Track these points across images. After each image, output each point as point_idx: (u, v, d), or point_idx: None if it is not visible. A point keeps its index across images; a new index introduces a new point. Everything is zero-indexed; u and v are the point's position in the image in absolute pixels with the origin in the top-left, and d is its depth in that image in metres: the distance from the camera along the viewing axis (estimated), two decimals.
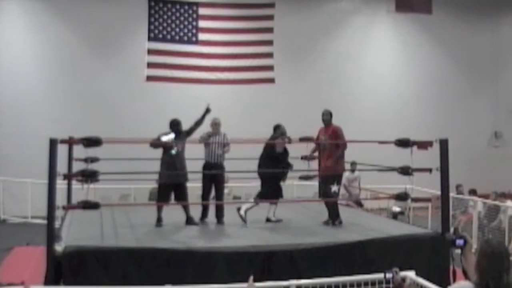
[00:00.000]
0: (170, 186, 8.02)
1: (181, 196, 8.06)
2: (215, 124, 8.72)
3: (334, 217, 7.98)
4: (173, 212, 9.49)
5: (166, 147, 7.95)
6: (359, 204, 12.88)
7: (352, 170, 12.77)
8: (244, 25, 15.40)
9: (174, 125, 8.17)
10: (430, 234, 7.37)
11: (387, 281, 4.31)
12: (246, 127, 15.56)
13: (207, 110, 8.17)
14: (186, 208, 8.10)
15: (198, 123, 8.22)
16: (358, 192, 13.21)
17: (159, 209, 7.99)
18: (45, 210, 6.07)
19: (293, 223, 8.30)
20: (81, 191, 6.76)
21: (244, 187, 15.00)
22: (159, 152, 10.11)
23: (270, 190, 8.29)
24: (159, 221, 7.91)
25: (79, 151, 7.75)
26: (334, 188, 8.00)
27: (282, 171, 8.38)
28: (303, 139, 8.78)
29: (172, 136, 7.98)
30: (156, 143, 7.99)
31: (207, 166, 8.44)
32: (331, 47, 17.81)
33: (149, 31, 14.79)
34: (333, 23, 17.79)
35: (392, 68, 18.35)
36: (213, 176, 8.38)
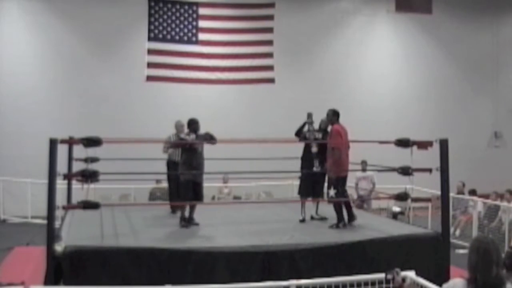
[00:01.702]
0: (191, 184, 7.97)
1: (198, 195, 8.04)
2: (180, 126, 9.32)
3: (337, 220, 7.91)
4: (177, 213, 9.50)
5: (187, 146, 7.94)
6: (360, 204, 12.86)
7: (363, 170, 12.69)
8: (244, 25, 15.40)
9: (192, 124, 8.15)
10: (430, 234, 7.37)
11: (387, 281, 4.31)
12: (246, 127, 15.59)
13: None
14: (192, 208, 8.08)
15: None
16: (364, 192, 13.09)
17: (183, 208, 7.95)
18: (45, 210, 6.07)
19: (292, 223, 8.29)
20: (81, 191, 6.75)
21: (244, 187, 15.02)
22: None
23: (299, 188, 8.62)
24: (185, 220, 7.88)
25: (79, 151, 7.75)
26: (331, 192, 7.85)
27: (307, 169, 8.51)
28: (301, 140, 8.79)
29: (193, 136, 8.02)
30: (178, 143, 7.98)
31: (172, 163, 9.15)
32: (331, 47, 17.82)
33: (149, 31, 14.79)
34: (333, 23, 17.78)
35: (392, 68, 18.35)
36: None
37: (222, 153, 8.87)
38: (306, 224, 8.11)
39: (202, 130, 8.32)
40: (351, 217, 8.05)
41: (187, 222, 7.97)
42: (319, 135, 8.71)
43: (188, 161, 7.99)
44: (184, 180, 8.03)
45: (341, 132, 7.97)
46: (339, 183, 7.90)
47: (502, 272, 3.28)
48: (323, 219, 8.48)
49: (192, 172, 7.89)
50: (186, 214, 8.10)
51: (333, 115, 8.20)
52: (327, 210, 8.64)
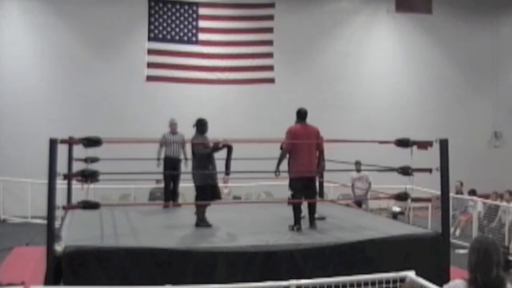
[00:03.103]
0: (209, 188, 7.93)
1: (218, 196, 8.06)
2: (173, 124, 10.23)
3: (294, 222, 7.66)
4: (176, 212, 9.53)
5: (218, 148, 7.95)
6: (358, 204, 12.87)
7: (357, 170, 12.71)
8: (244, 25, 15.43)
9: (203, 125, 8.09)
10: (430, 234, 7.36)
11: (387, 281, 4.31)
12: (246, 127, 15.59)
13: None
14: (196, 208, 8.06)
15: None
16: (362, 192, 13.09)
17: (204, 210, 7.91)
18: (45, 210, 6.06)
19: (291, 223, 8.27)
20: (81, 191, 6.75)
21: (244, 187, 15.02)
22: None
23: None
24: (203, 220, 7.83)
25: (79, 151, 7.75)
26: (288, 193, 7.70)
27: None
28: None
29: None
30: (217, 147, 7.95)
31: (167, 160, 10.00)
32: (331, 47, 17.82)
33: (149, 31, 14.82)
34: (333, 23, 17.79)
35: (392, 68, 18.36)
36: (173, 168, 9.91)
37: (222, 153, 8.85)
38: (305, 224, 8.10)
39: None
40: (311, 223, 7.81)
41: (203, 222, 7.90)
42: None
43: (203, 165, 7.86)
44: (204, 184, 7.87)
45: (293, 132, 7.73)
46: (293, 185, 7.66)
47: (502, 273, 3.28)
48: (321, 218, 8.44)
49: (205, 174, 7.85)
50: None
51: (296, 114, 7.95)
52: (324, 209, 8.66)
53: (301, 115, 7.91)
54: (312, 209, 7.81)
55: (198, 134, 8.06)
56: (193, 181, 8.02)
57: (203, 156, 7.88)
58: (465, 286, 3.29)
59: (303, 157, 7.66)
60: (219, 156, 8.19)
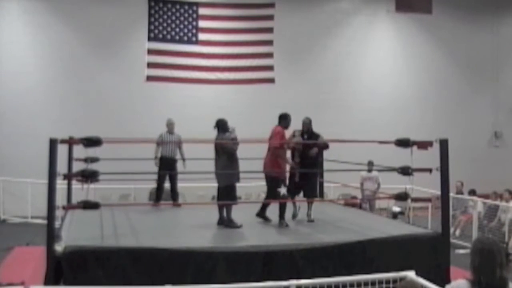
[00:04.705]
0: (235, 187, 8.01)
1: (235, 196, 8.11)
2: (170, 124, 10.24)
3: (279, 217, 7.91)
4: (176, 212, 9.52)
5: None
6: (359, 204, 12.88)
7: (369, 170, 12.66)
8: (244, 25, 15.42)
9: (224, 124, 8.13)
10: (430, 234, 7.37)
11: (387, 281, 4.31)
12: (245, 127, 15.51)
13: None
14: (225, 208, 8.05)
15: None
16: (369, 192, 13.03)
17: (229, 209, 7.90)
18: (45, 210, 6.07)
19: (292, 223, 8.29)
20: (81, 191, 6.75)
21: (244, 187, 15.00)
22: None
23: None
24: (231, 221, 7.80)
25: (79, 151, 7.75)
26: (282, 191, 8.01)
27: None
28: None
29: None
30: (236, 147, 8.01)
31: (163, 159, 10.02)
32: (331, 47, 17.82)
33: (149, 31, 14.81)
34: (333, 23, 17.79)
35: (392, 68, 18.35)
36: (169, 168, 9.94)
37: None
38: (305, 224, 8.11)
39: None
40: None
41: (231, 222, 7.85)
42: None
43: (230, 164, 7.89)
44: (229, 184, 7.92)
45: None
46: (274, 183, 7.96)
47: (505, 273, 3.28)
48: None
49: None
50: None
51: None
52: (324, 209, 8.63)
53: (280, 118, 8.47)
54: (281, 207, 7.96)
55: (222, 133, 8.05)
56: (217, 181, 7.99)
57: (231, 155, 7.88)
58: (469, 287, 3.29)
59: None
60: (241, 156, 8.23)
